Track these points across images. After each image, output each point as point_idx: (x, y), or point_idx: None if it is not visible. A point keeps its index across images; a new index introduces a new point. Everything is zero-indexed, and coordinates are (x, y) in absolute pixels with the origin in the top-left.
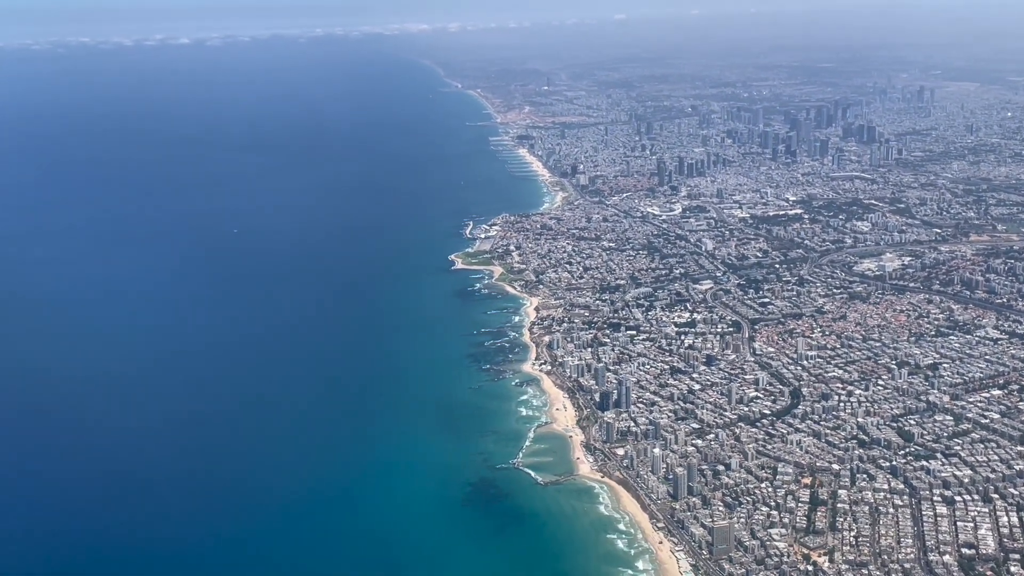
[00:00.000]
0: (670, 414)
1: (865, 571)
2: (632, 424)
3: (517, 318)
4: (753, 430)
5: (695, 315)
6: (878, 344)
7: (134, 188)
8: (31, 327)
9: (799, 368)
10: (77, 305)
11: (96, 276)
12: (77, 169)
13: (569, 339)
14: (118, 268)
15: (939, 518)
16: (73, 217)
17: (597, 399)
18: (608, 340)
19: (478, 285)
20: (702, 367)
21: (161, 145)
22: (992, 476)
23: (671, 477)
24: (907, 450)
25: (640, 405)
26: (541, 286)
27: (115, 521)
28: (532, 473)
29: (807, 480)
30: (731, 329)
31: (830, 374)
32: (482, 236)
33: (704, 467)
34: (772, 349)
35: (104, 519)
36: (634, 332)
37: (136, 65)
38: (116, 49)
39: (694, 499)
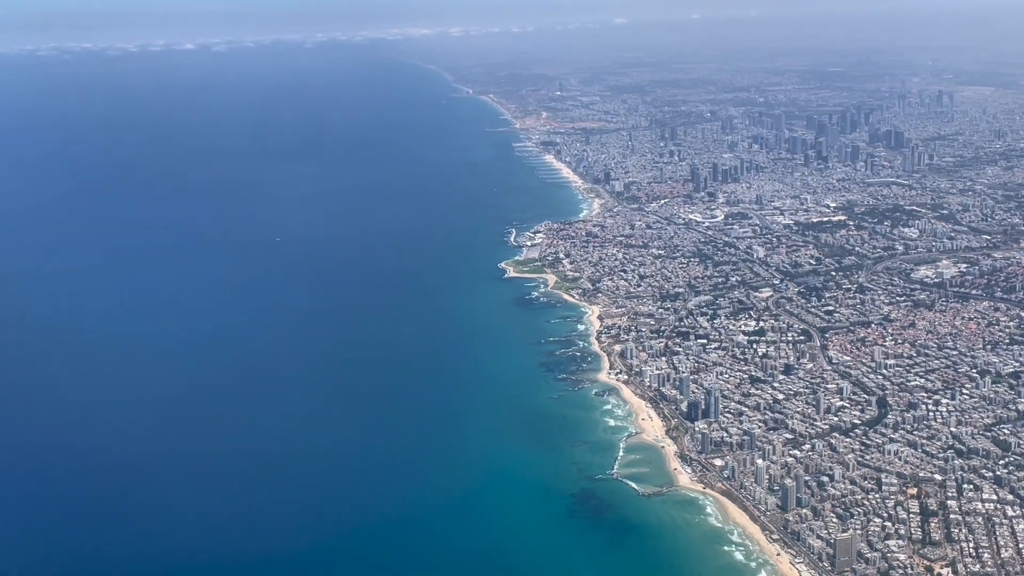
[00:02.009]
0: (760, 424)
1: None
2: (725, 434)
3: (582, 327)
4: (847, 440)
5: (761, 323)
6: (954, 352)
7: (165, 196)
8: (87, 344)
9: (880, 377)
10: (130, 321)
11: (142, 289)
12: (105, 177)
13: (641, 348)
14: (164, 280)
15: None
16: (107, 227)
17: (684, 409)
18: (680, 349)
19: (535, 293)
20: (781, 376)
21: (187, 152)
22: None
23: (777, 488)
24: (1007, 460)
25: (728, 415)
26: (599, 294)
27: (218, 537)
28: (632, 484)
29: (912, 491)
30: (801, 337)
31: (912, 383)
32: (528, 244)
33: (806, 478)
34: (848, 357)
35: (207, 533)
36: (704, 341)
37: (147, 71)
38: (122, 55)
39: (805, 510)
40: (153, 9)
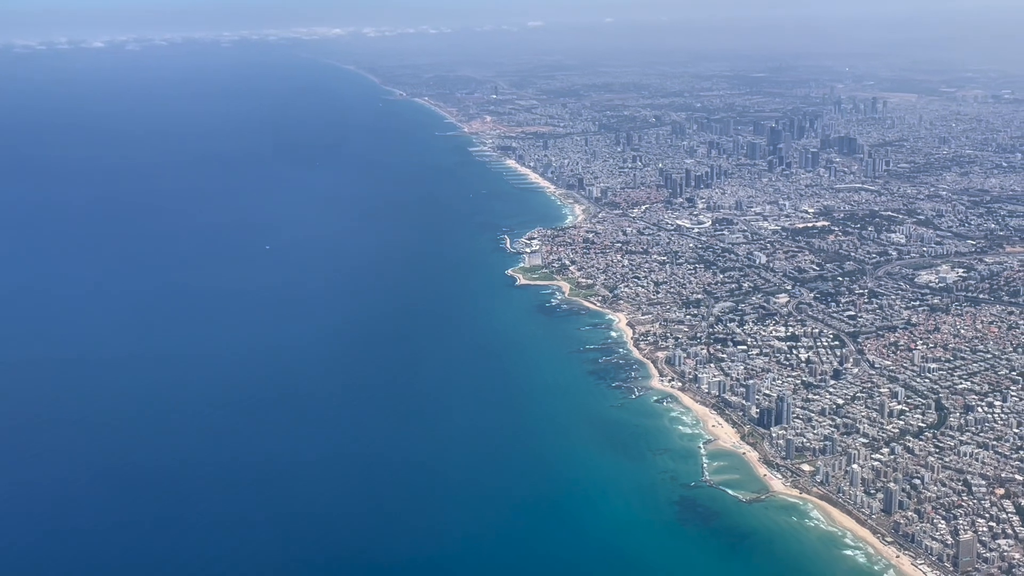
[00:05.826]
0: (831, 429)
1: None
2: (804, 440)
3: (614, 334)
4: (920, 443)
5: (791, 329)
6: (989, 356)
7: (132, 202)
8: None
9: (927, 380)
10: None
11: (142, 301)
12: (58, 180)
13: (686, 354)
14: (160, 291)
15: None
16: (78, 234)
17: (754, 415)
18: (724, 355)
19: (553, 301)
20: (832, 381)
21: (145, 159)
22: None
23: (873, 492)
24: None
25: (797, 421)
26: (620, 301)
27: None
28: (728, 491)
29: (1000, 491)
30: (835, 343)
31: (960, 386)
32: (527, 251)
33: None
34: (888, 362)
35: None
36: (744, 347)
37: (65, 70)
38: (29, 53)
39: (910, 513)
40: (54, 6)
